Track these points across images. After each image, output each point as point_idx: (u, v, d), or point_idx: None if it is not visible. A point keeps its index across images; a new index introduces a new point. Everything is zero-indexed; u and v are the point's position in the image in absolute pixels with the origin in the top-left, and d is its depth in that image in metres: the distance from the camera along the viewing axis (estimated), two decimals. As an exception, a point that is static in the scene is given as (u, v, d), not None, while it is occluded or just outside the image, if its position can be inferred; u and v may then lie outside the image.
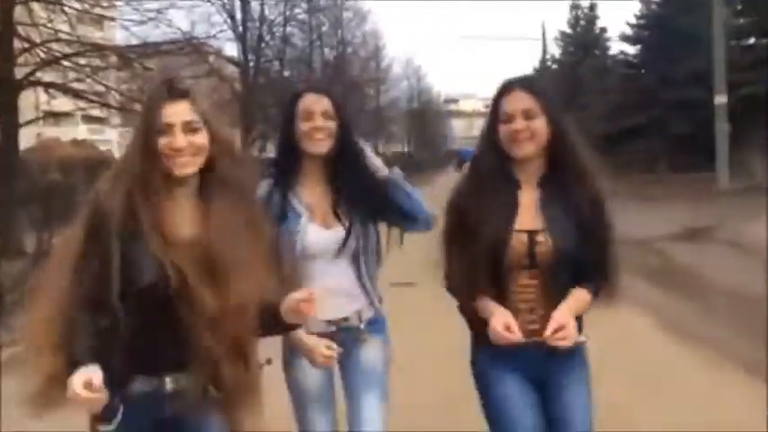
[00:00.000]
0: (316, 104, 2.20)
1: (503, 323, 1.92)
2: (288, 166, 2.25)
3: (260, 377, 1.83)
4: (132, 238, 1.68)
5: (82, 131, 37.67)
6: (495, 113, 2.06)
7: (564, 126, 2.06)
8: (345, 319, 2.28)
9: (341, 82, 25.05)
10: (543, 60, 44.81)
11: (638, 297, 6.80)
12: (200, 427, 1.81)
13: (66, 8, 9.17)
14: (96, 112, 13.34)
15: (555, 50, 41.88)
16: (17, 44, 8.89)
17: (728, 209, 14.91)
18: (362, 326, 2.30)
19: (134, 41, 9.95)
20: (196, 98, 1.75)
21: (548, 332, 1.92)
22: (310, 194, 2.26)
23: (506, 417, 2.03)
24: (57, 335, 1.67)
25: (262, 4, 18.11)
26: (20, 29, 8.83)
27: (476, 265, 1.99)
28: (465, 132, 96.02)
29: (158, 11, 9.92)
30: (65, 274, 1.71)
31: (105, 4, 9.91)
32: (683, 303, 6.45)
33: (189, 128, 1.71)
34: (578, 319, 2.06)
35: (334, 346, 2.12)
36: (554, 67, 42.12)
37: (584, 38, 38.22)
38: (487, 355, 2.06)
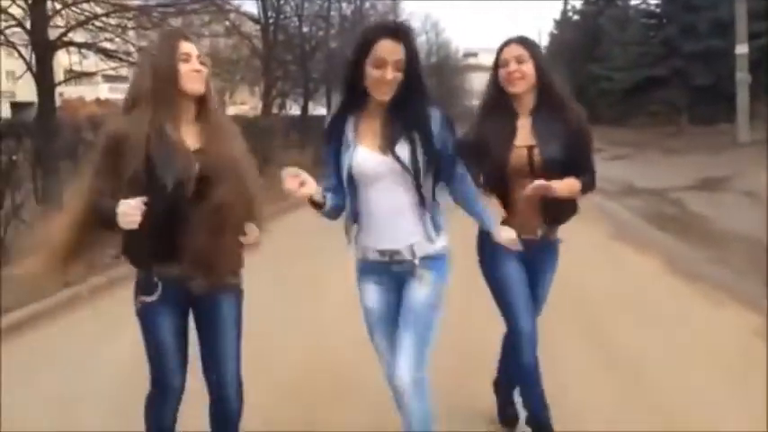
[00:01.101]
0: (391, 54, 2.19)
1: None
2: (351, 104, 2.32)
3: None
4: (159, 148, 2.16)
5: (103, 90, 38.01)
6: (497, 61, 2.70)
7: (547, 70, 2.68)
8: (396, 253, 2.29)
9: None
10: (564, 11, 44.06)
11: (649, 242, 7.15)
12: (221, 301, 2.32)
13: (95, -31, 9.41)
14: (120, 72, 13.48)
15: (576, 2, 41.20)
16: (49, 5, 9.15)
17: (746, 160, 14.99)
18: (417, 261, 2.29)
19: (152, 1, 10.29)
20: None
21: (529, 187, 2.51)
22: (370, 124, 2.28)
23: (509, 288, 2.69)
24: (73, 222, 2.27)
25: (281, -39, 18.09)
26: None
27: (487, 175, 2.61)
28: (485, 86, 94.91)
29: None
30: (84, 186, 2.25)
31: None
32: (693, 248, 6.74)
33: (200, 60, 2.27)
34: (565, 209, 2.71)
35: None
36: (575, 17, 41.43)
37: (605, -13, 37.50)
38: (492, 245, 2.64)
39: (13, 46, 9.06)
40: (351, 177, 2.28)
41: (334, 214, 2.40)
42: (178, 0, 11.03)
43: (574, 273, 5.87)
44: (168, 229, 2.18)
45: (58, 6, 9.23)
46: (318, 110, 24.79)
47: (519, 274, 2.69)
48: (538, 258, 2.77)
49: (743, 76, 18.74)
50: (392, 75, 2.19)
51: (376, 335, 2.41)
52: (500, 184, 2.65)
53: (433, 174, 2.28)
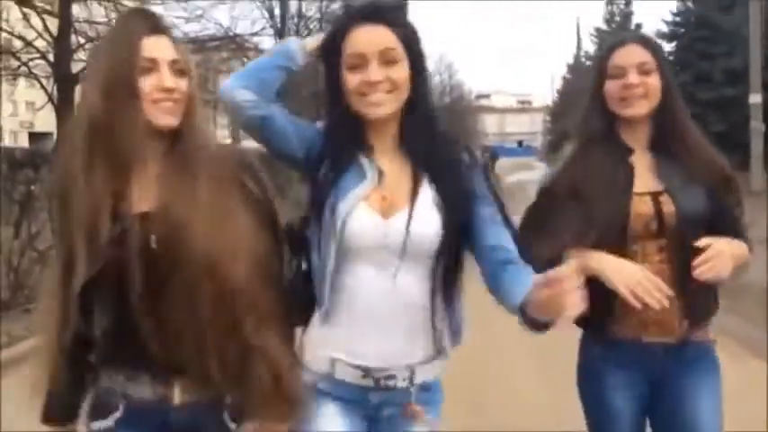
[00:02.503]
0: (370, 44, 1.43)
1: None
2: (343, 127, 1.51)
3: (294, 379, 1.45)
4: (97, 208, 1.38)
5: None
6: (603, 70, 1.81)
7: (674, 85, 1.85)
8: (387, 375, 1.48)
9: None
10: (577, 56, 44.63)
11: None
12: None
13: (119, 5, 9.69)
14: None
15: (589, 47, 41.75)
16: (73, 39, 9.40)
17: (760, 208, 14.87)
18: (413, 390, 1.51)
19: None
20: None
21: (696, 261, 1.66)
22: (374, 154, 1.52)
23: None
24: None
25: (300, 1, 18.53)
26: (76, 25, 9.35)
27: (597, 241, 1.69)
28: (497, 128, 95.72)
29: (204, 10, 10.47)
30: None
31: (157, 2, 10.39)
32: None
33: (176, 68, 1.42)
34: (711, 292, 1.82)
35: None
36: (588, 63, 41.93)
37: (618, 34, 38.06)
38: (597, 348, 1.82)
39: (36, 78, 9.27)
40: (341, 242, 1.45)
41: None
42: (198, 37, 11.33)
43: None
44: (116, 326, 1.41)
45: (81, 41, 9.48)
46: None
47: (630, 409, 1.81)
48: (679, 373, 1.80)
49: (757, 125, 18.83)
50: (383, 74, 1.44)
51: None
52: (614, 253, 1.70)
53: (456, 247, 1.50)
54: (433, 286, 1.47)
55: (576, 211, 1.71)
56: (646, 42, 1.84)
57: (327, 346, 1.50)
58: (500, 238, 1.48)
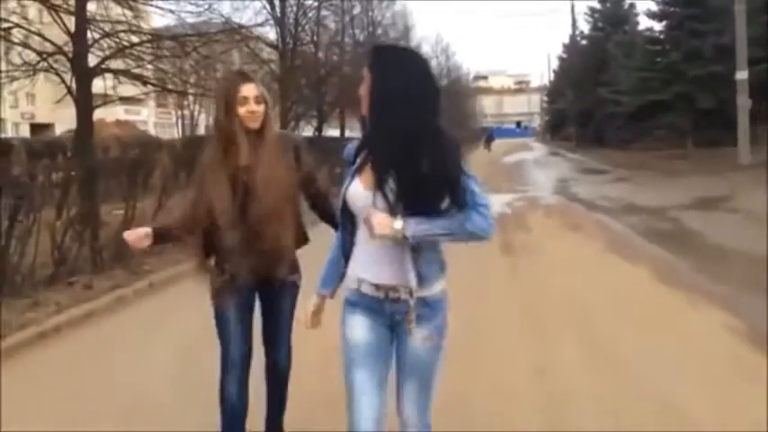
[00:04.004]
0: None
1: None
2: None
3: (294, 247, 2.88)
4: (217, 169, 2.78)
5: (119, 112, 39.14)
6: None
7: None
8: (393, 289, 2.09)
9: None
10: (573, 36, 44.98)
11: (643, 255, 7.75)
12: (276, 284, 2.88)
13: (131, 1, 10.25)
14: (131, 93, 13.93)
15: (584, 26, 42.13)
16: (89, 34, 9.94)
17: (745, 181, 15.57)
18: (412, 302, 2.07)
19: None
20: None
21: None
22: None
23: None
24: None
25: (299, -10, 18.99)
26: (92, 22, 9.89)
27: None
28: (495, 109, 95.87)
29: (210, 4, 11.03)
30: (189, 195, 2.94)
31: (170, -1, 10.93)
32: (683, 260, 7.34)
33: (257, 100, 2.78)
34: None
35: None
36: (583, 42, 42.31)
37: (612, 14, 38.42)
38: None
39: (56, 72, 9.83)
40: (347, 209, 2.16)
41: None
42: (207, 30, 11.89)
43: (572, 280, 6.53)
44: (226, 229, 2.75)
45: (97, 36, 10.03)
46: (330, 132, 25.63)
47: None
48: None
49: (743, 101, 19.40)
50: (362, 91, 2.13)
51: (359, 371, 2.14)
52: None
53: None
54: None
55: None
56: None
57: (356, 270, 2.19)
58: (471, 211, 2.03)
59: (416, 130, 2.03)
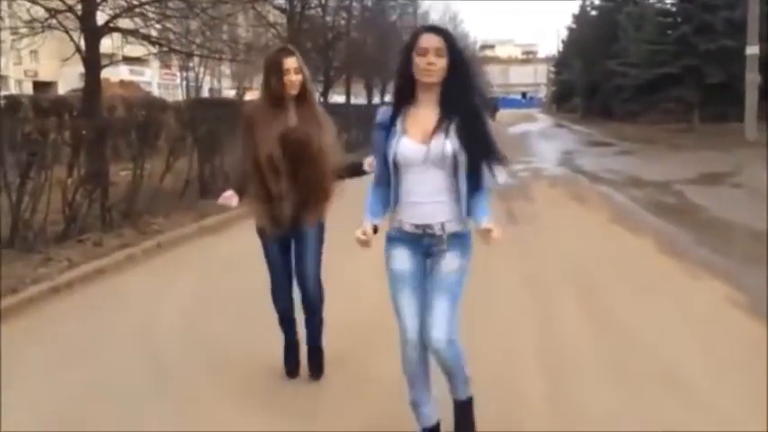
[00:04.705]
0: (431, 42, 2.47)
1: None
2: (402, 93, 2.58)
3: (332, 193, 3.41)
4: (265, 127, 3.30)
5: (124, 72, 38.86)
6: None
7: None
8: (429, 227, 2.57)
9: (379, 28, 25.65)
10: (583, 6, 44.41)
11: (647, 227, 7.81)
12: (306, 224, 3.39)
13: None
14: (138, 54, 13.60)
15: (595, -3, 41.51)
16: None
17: (751, 157, 15.56)
18: (445, 236, 2.57)
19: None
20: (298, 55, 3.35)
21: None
22: (417, 115, 2.54)
23: None
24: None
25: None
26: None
27: None
28: (501, 79, 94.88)
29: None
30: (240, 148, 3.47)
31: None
32: (685, 232, 7.41)
33: (295, 70, 3.30)
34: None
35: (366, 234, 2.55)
36: (593, 13, 41.79)
37: (624, -16, 37.87)
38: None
39: (65, 30, 9.79)
40: (395, 163, 2.55)
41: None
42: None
43: (575, 249, 6.62)
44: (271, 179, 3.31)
45: (106, -5, 9.96)
46: (335, 98, 25.50)
47: None
48: None
49: (753, 77, 19.27)
50: (435, 59, 2.45)
51: (402, 295, 2.62)
52: None
53: (470, 162, 2.50)
54: (455, 177, 2.54)
55: None
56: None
57: (400, 215, 2.62)
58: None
59: (477, 102, 2.58)
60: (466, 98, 2.53)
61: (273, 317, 3.60)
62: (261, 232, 3.43)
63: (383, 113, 2.64)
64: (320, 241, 3.48)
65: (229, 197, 3.33)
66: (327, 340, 3.66)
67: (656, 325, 4.39)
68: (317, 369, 3.60)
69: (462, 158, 2.50)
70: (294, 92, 3.32)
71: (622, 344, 4.07)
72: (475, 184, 2.55)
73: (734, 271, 5.65)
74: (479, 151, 2.52)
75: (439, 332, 2.53)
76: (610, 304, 4.86)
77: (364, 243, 2.55)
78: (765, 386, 3.31)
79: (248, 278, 5.06)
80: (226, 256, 6.42)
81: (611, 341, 4.13)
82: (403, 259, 2.63)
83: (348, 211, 3.22)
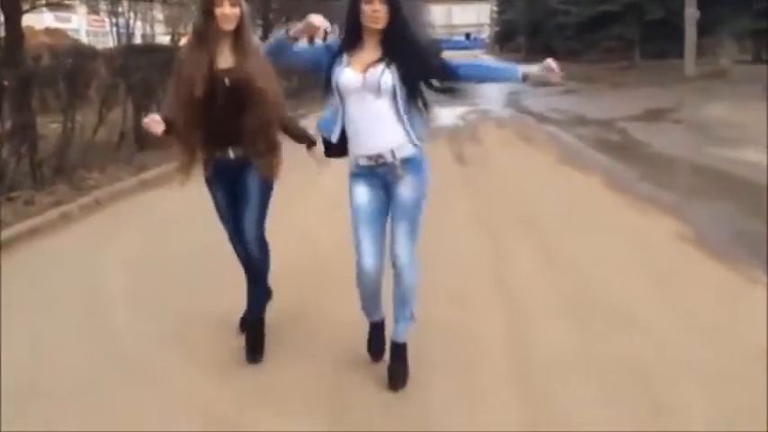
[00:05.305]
0: None
1: None
2: (350, 38, 2.73)
3: (279, 148, 3.12)
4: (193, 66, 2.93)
5: (49, 19, 36.71)
6: None
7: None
8: (381, 156, 2.71)
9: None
10: (523, -58, 43.79)
11: (593, 164, 7.88)
12: (250, 176, 3.06)
13: None
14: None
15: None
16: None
17: (691, 93, 15.87)
18: (397, 163, 2.72)
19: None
20: None
21: None
22: (362, 54, 2.72)
23: None
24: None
25: None
26: None
27: None
28: (444, 20, 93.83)
29: None
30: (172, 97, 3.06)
31: None
32: (628, 168, 7.52)
33: (231, 2, 2.89)
34: None
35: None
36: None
37: None
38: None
39: (-23, -27, 9.01)
40: (338, 92, 2.72)
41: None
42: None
43: (524, 188, 6.62)
44: (208, 124, 2.98)
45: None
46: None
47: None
48: None
49: (692, 12, 19.49)
50: (380, 6, 2.63)
51: (361, 227, 2.79)
52: None
53: (409, 89, 2.68)
54: (395, 107, 2.70)
55: None
56: None
57: (353, 149, 2.79)
58: (472, 62, 2.86)
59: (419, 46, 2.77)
60: (405, 41, 2.70)
61: (222, 275, 3.40)
62: (207, 181, 3.16)
63: (335, 41, 2.78)
64: (264, 200, 3.13)
65: (156, 122, 2.93)
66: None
67: (608, 261, 4.43)
68: (255, 348, 3.19)
69: (402, 93, 2.68)
70: (229, 27, 2.91)
71: (575, 281, 4.08)
72: (417, 108, 2.74)
73: (677, 205, 5.76)
74: (416, 70, 2.70)
75: (402, 253, 2.76)
76: (561, 242, 4.87)
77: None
78: (712, 316, 3.38)
79: (195, 234, 4.90)
80: (169, 211, 6.12)
81: (564, 279, 4.14)
82: (362, 193, 2.79)
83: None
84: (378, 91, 2.66)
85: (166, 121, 2.96)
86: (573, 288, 3.96)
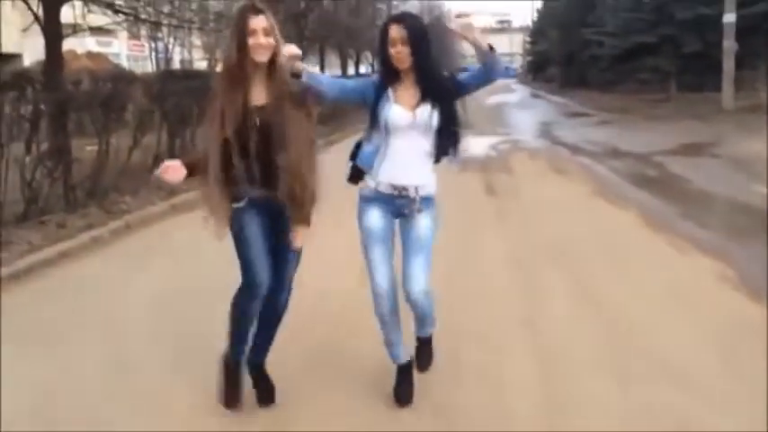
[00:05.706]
0: (395, 33, 2.71)
1: None
2: (387, 75, 2.80)
3: (315, 195, 2.80)
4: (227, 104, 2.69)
5: (91, 44, 37.67)
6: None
7: None
8: (405, 189, 2.83)
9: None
10: (558, -25, 43.92)
11: (629, 199, 7.68)
12: (285, 219, 2.78)
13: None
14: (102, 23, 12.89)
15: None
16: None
17: (729, 127, 15.53)
18: (417, 198, 2.83)
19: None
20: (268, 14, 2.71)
21: None
22: (402, 88, 2.81)
23: None
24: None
25: None
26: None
27: None
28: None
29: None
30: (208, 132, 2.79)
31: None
32: (666, 205, 7.30)
33: (265, 32, 2.67)
34: None
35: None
36: (569, -18, 41.33)
37: (600, -48, 37.44)
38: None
39: (24, 0, 9.27)
40: (386, 127, 2.79)
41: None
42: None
43: (559, 222, 6.46)
44: (239, 163, 2.72)
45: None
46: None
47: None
48: None
49: (730, 45, 19.16)
50: (402, 48, 2.70)
51: (374, 249, 2.86)
52: None
53: (449, 126, 2.81)
54: (433, 145, 2.84)
55: None
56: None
57: (379, 174, 2.85)
58: (470, 71, 2.88)
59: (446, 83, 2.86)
60: (436, 82, 2.80)
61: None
62: (237, 211, 2.83)
63: (374, 81, 2.89)
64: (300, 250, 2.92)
65: (175, 170, 2.73)
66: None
67: (645, 301, 4.25)
68: (267, 394, 3.07)
69: (444, 132, 2.82)
70: (263, 58, 2.67)
71: (613, 326, 3.91)
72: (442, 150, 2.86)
73: (720, 245, 5.54)
74: (451, 108, 2.83)
75: (418, 286, 2.81)
76: (598, 282, 4.70)
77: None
78: (759, 360, 3.19)
79: (222, 265, 4.82)
80: (200, 237, 6.08)
81: (597, 317, 4.00)
82: (375, 217, 2.87)
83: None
84: (427, 130, 2.81)
85: (188, 164, 2.78)
86: (611, 334, 3.80)
